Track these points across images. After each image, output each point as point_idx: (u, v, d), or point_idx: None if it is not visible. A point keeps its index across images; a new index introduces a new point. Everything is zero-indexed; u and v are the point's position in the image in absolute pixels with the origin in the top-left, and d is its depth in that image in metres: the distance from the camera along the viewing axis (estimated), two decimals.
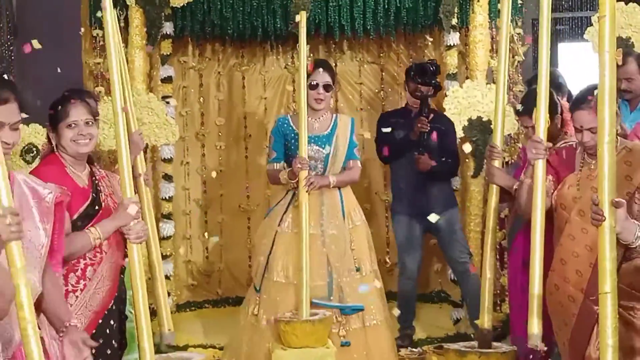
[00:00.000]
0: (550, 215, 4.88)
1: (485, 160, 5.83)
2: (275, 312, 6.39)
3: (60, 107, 4.51)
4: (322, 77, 6.43)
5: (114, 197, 4.60)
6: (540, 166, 4.79)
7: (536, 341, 4.80)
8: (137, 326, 4.50)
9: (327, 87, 6.47)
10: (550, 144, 5.06)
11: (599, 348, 3.78)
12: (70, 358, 3.88)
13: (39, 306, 3.55)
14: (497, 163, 5.61)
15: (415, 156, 6.84)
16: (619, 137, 4.49)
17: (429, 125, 6.83)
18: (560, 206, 4.70)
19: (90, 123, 4.52)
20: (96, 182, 4.61)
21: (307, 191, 6.21)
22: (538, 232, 4.83)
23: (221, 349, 7.09)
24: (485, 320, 5.56)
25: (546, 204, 4.83)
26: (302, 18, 6.12)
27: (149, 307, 7.03)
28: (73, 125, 4.48)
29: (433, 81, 6.93)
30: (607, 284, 3.65)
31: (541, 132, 4.87)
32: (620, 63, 3.69)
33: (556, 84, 6.52)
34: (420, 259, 7.25)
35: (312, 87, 6.45)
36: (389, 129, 7.04)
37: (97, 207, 4.51)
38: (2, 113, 3.51)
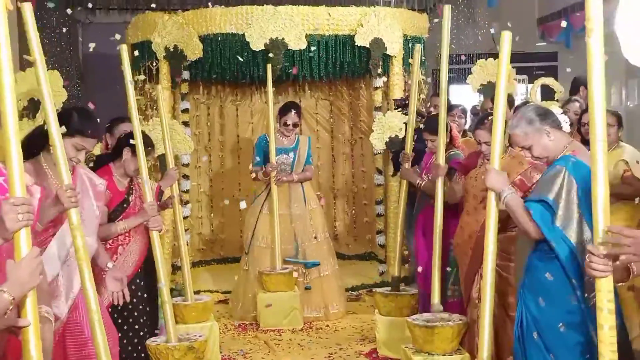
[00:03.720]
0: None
1: (399, 159, 5.85)
2: (258, 267, 6.42)
3: (129, 139, 4.51)
4: (293, 118, 6.58)
5: (142, 197, 4.58)
6: (439, 183, 4.89)
7: (437, 308, 4.75)
8: (160, 294, 4.49)
9: (295, 125, 6.58)
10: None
11: (480, 290, 3.81)
12: (111, 287, 3.90)
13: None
14: (407, 165, 5.66)
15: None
16: (507, 147, 4.52)
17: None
18: (466, 191, 4.76)
19: None
20: (132, 187, 4.59)
21: (275, 184, 6.31)
22: (439, 212, 4.86)
23: (223, 292, 7.09)
24: (396, 270, 5.60)
25: (461, 194, 4.88)
26: (268, 70, 6.43)
27: (172, 264, 7.06)
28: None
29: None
30: (490, 245, 3.45)
31: (441, 156, 4.96)
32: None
33: (449, 106, 6.55)
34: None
35: (285, 124, 6.53)
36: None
37: (125, 205, 4.53)
38: (89, 143, 3.58)
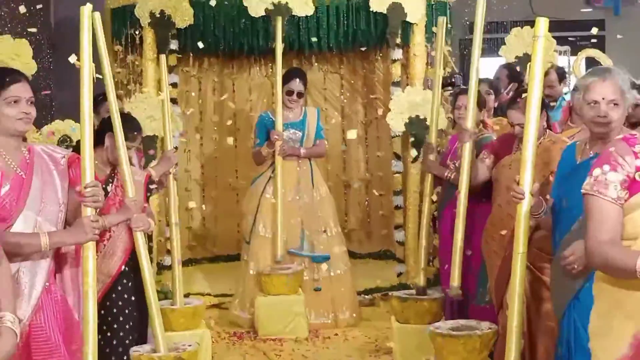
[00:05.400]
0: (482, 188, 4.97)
1: (422, 149, 5.88)
2: (259, 260, 6.46)
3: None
4: (298, 86, 6.57)
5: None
6: (468, 147, 4.91)
7: (456, 291, 4.87)
8: (146, 298, 4.51)
9: (300, 94, 6.58)
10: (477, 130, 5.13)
11: (509, 293, 3.82)
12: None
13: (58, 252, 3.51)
14: (432, 157, 5.68)
15: None
16: (546, 130, 4.54)
17: None
18: (496, 181, 4.76)
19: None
20: (113, 175, 4.60)
21: (279, 154, 6.32)
22: (462, 204, 4.89)
23: (217, 296, 7.13)
24: (422, 279, 5.61)
25: (485, 176, 4.91)
26: (277, 24, 6.41)
27: (158, 263, 7.09)
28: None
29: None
30: (521, 246, 3.67)
31: (470, 121, 4.95)
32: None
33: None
34: None
35: (288, 93, 6.53)
36: None
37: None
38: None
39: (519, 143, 4.71)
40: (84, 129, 3.50)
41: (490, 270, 4.74)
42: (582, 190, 2.72)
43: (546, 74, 7.07)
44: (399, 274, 7.39)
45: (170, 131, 5.77)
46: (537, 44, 3.58)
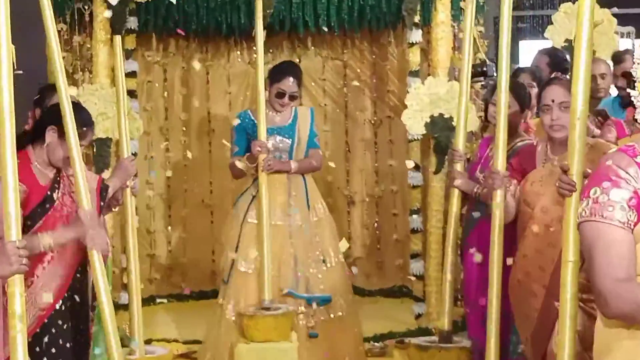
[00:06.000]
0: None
1: (447, 157, 5.86)
2: (240, 302, 6.41)
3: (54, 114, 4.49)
4: (291, 87, 6.50)
5: (73, 196, 4.53)
6: (500, 194, 4.83)
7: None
8: (104, 327, 4.48)
9: (293, 97, 6.54)
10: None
11: (559, 335, 3.81)
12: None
13: None
14: (459, 167, 5.65)
15: None
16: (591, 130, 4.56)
17: None
18: (524, 202, 4.70)
19: None
20: (59, 180, 4.57)
21: (263, 171, 6.26)
22: (497, 230, 4.87)
23: (186, 343, 7.09)
24: (446, 323, 5.59)
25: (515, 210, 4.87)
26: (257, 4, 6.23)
27: (113, 301, 7.06)
28: None
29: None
30: (571, 253, 3.66)
31: (500, 161, 4.91)
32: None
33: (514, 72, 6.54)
34: None
35: (279, 95, 6.48)
36: None
37: (47, 206, 4.45)
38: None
39: (547, 151, 4.72)
40: (3, 127, 3.41)
41: (524, 320, 4.70)
42: (577, 219, 2.69)
43: (619, 59, 7.08)
44: (418, 316, 7.37)
45: (128, 133, 5.74)
46: (582, 20, 3.55)
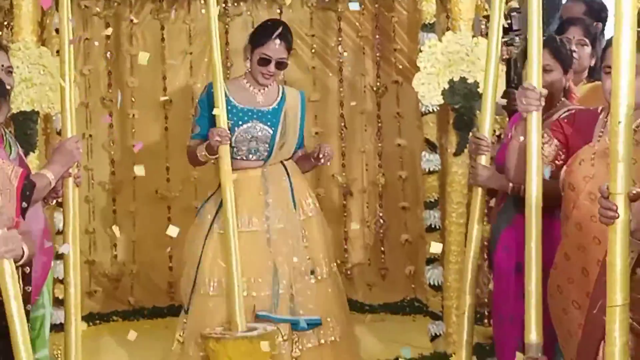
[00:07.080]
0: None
1: (469, 141, 5.86)
2: (204, 330, 6.42)
3: None
4: (278, 52, 6.47)
5: None
6: (534, 119, 4.84)
7: (536, 353, 4.83)
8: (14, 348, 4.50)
9: (280, 65, 6.50)
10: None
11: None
12: None
13: None
14: (484, 160, 5.57)
15: None
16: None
17: None
18: (569, 186, 4.70)
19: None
20: None
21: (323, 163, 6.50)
22: (533, 216, 4.87)
23: None
24: (464, 356, 5.60)
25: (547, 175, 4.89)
26: None
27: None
28: None
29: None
30: (618, 295, 3.67)
31: (534, 78, 4.91)
32: None
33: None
34: None
35: (262, 61, 6.45)
36: None
37: None
38: None
39: (608, 124, 4.72)
40: None
41: (567, 337, 4.73)
42: None
43: None
44: (434, 337, 7.40)
45: (74, 105, 5.72)
46: None
